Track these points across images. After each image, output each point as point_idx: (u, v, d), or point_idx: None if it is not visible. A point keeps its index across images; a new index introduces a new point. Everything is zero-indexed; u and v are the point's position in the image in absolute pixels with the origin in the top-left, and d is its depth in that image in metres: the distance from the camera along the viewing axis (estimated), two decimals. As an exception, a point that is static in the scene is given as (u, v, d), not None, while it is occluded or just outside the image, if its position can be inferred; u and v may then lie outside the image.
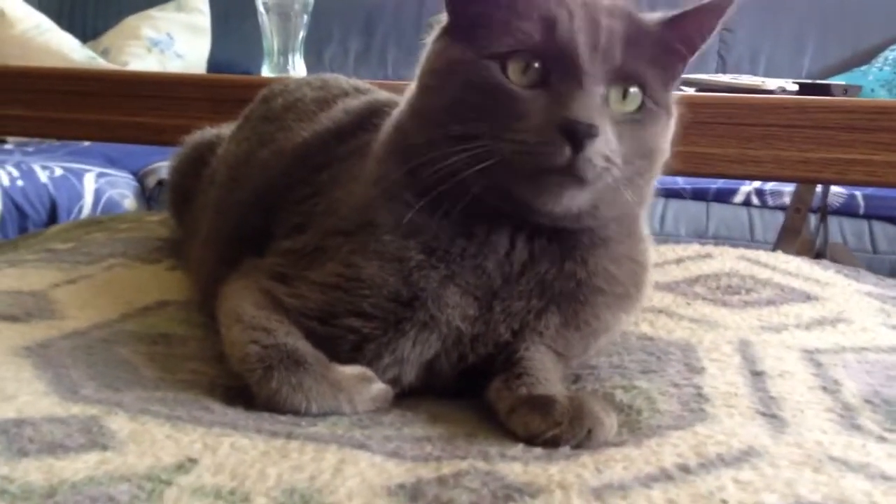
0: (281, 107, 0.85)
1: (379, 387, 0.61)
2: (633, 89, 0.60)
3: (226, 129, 0.97)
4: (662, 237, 2.24)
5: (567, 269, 0.63)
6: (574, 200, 0.59)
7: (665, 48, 0.62)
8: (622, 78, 0.59)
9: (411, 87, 0.67)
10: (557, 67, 0.58)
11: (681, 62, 0.64)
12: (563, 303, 0.63)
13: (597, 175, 0.57)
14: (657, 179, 0.66)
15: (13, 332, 0.70)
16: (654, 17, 0.63)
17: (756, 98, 1.15)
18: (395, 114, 0.68)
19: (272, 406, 0.58)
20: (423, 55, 0.65)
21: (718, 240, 2.21)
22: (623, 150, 0.58)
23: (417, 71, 0.66)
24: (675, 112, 0.65)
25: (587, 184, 0.57)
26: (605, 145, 0.57)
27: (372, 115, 0.74)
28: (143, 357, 0.67)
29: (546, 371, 0.61)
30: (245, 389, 0.59)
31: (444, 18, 0.65)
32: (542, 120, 0.56)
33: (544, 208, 0.59)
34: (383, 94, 0.81)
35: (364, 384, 0.61)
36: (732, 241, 2.20)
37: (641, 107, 0.60)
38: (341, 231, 0.64)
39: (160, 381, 0.62)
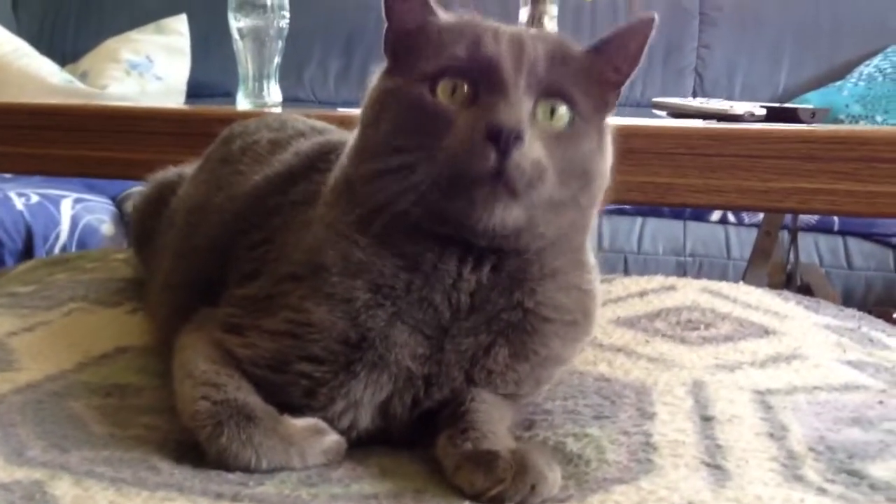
0: (238, 149, 0.85)
1: (331, 439, 0.61)
2: (562, 107, 0.60)
3: (188, 168, 0.97)
4: (641, 255, 2.25)
5: (515, 299, 0.63)
6: (508, 213, 0.58)
7: (595, 76, 0.63)
8: (548, 93, 0.60)
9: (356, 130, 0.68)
10: (484, 84, 0.59)
11: (612, 90, 0.65)
12: (512, 334, 0.63)
13: (527, 183, 0.57)
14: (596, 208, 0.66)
15: (-34, 387, 0.69)
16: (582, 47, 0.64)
17: (718, 128, 1.16)
18: (343, 156, 0.68)
19: (223, 463, 0.58)
20: (364, 96, 0.66)
21: (696, 257, 2.23)
22: (556, 167, 0.59)
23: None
24: (609, 140, 0.65)
25: (518, 195, 0.57)
26: (533, 152, 0.57)
27: (322, 157, 0.74)
28: (95, 411, 0.67)
29: (492, 423, 0.61)
30: (197, 444, 0.59)
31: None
32: (469, 129, 0.57)
33: (479, 225, 0.58)
34: (336, 135, 0.82)
35: (316, 437, 0.61)
36: (710, 259, 2.23)
37: (571, 123, 0.61)
38: (292, 276, 0.64)
39: (109, 439, 0.62)
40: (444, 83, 0.60)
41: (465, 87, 0.59)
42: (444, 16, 0.64)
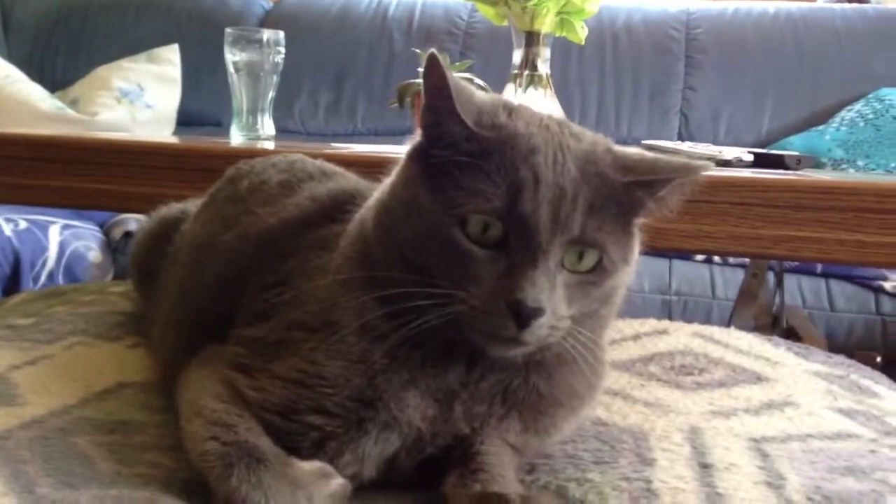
0: (246, 189, 0.86)
1: (338, 482, 0.62)
2: (590, 253, 0.61)
3: (191, 204, 0.98)
4: (626, 293, 2.28)
5: (532, 382, 0.65)
6: (523, 351, 0.62)
7: (630, 199, 0.63)
8: (580, 244, 0.61)
9: (385, 183, 0.68)
10: (516, 235, 0.60)
11: (645, 208, 0.64)
12: (525, 412, 0.66)
13: (540, 340, 0.60)
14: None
15: (-29, 422, 0.70)
16: (628, 157, 0.63)
17: (710, 175, 1.18)
18: (364, 212, 0.69)
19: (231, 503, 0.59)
20: (398, 166, 0.67)
21: (681, 296, 2.25)
22: (578, 303, 0.62)
23: (391, 177, 0.67)
24: (637, 241, 0.66)
25: (532, 346, 0.61)
26: (551, 318, 0.60)
27: (339, 204, 0.75)
28: (101, 448, 0.67)
29: (501, 466, 0.62)
30: (205, 484, 0.60)
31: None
32: (494, 292, 0.59)
33: (495, 356, 0.63)
34: (350, 181, 0.83)
35: (323, 480, 0.61)
36: (694, 298, 2.26)
37: (599, 263, 0.61)
38: (305, 325, 0.66)
39: (116, 476, 0.63)
40: (476, 219, 0.60)
41: (499, 229, 0.60)
42: (475, 110, 0.62)
